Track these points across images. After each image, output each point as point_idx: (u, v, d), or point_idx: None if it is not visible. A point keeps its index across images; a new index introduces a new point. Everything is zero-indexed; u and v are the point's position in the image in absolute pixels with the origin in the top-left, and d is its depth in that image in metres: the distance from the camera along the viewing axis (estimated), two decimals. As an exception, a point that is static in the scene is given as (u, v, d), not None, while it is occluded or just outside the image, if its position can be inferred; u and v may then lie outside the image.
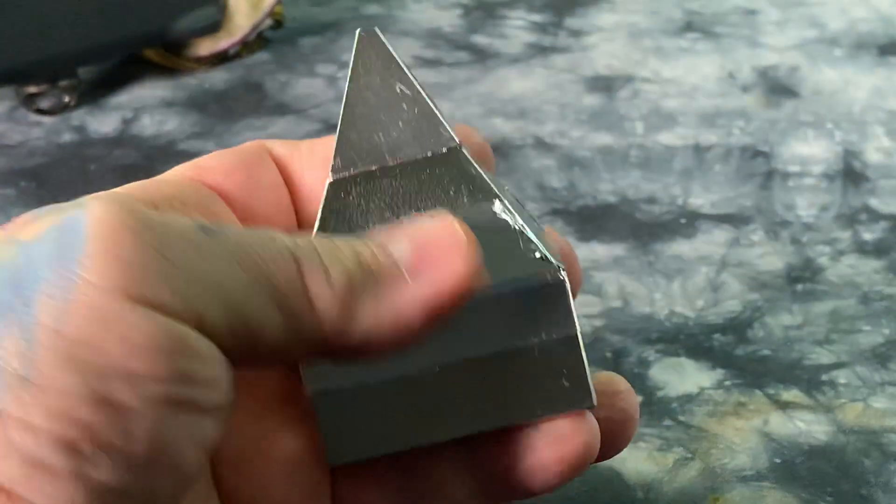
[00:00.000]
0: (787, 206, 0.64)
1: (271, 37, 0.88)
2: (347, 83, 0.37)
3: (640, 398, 0.48)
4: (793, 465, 0.45)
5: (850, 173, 0.67)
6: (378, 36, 0.37)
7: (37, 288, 0.23)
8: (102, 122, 0.73)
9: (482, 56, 0.85)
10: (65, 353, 0.23)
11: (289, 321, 0.26)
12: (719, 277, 0.57)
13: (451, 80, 0.80)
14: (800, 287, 0.56)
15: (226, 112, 0.75)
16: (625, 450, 0.38)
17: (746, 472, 0.44)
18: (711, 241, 0.60)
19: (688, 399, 0.48)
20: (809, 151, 0.70)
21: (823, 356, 0.51)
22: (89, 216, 0.24)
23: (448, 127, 0.37)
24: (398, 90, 0.37)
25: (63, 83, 0.74)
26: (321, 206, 0.36)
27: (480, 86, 0.79)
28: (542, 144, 0.69)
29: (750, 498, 0.43)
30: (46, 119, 0.74)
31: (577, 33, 0.89)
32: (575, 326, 0.34)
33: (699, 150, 0.70)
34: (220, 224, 0.27)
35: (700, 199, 0.64)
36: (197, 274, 0.24)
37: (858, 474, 0.44)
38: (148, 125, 0.72)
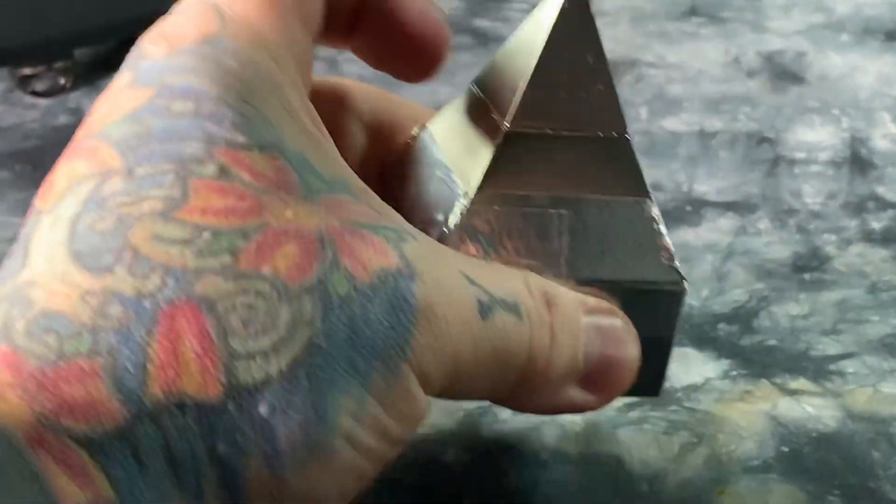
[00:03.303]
0: (793, 193, 0.63)
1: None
2: (547, 35, 0.35)
3: (644, 388, 0.48)
4: (800, 455, 0.44)
5: (857, 160, 0.66)
6: (587, 2, 0.36)
7: (372, 364, 0.26)
8: (99, 104, 0.72)
9: (484, 40, 0.84)
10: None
11: (494, 392, 0.30)
12: (725, 266, 0.56)
13: (452, 64, 0.79)
14: (807, 276, 0.55)
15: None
16: (629, 433, 0.38)
17: (753, 462, 0.43)
18: (717, 229, 0.59)
19: (693, 389, 0.48)
20: (816, 138, 0.69)
21: (831, 346, 0.50)
22: (420, 290, 0.27)
23: (623, 114, 0.36)
24: (590, 61, 0.36)
25: (58, 65, 0.73)
26: (493, 152, 0.35)
27: (482, 70, 0.78)
28: (544, 130, 0.68)
29: (756, 491, 0.42)
30: (42, 101, 0.73)
31: (580, 18, 0.88)
32: (674, 331, 0.37)
33: (704, 136, 0.69)
34: (491, 298, 0.29)
35: (705, 186, 0.63)
36: (462, 358, 0.28)
37: (867, 467, 0.43)
38: (145, 108, 0.71)
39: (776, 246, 0.58)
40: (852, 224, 0.60)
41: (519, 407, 0.32)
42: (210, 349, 0.24)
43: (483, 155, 0.36)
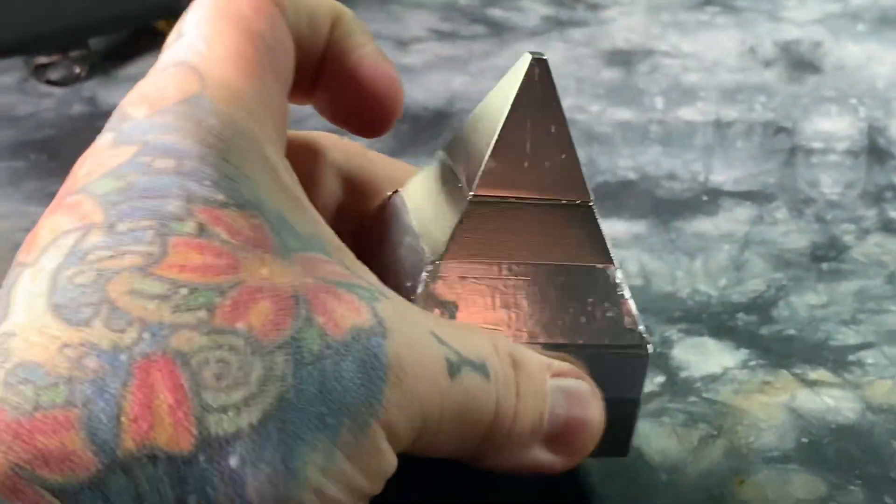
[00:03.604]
0: (810, 183, 0.63)
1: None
2: (510, 105, 0.37)
3: (663, 378, 0.47)
4: (820, 445, 0.44)
5: (875, 150, 0.66)
6: (547, 65, 0.37)
7: (342, 420, 0.26)
8: (113, 93, 0.72)
9: (498, 29, 0.84)
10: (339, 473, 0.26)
11: (460, 449, 0.31)
12: (742, 256, 0.56)
13: (467, 53, 0.79)
14: (825, 266, 0.55)
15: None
16: (648, 425, 0.38)
17: (773, 453, 0.43)
18: (734, 219, 0.59)
19: (712, 379, 0.47)
20: (833, 128, 0.68)
21: (850, 336, 0.50)
22: (391, 348, 0.27)
23: (586, 182, 0.38)
24: (552, 130, 0.37)
25: (74, 54, 0.73)
26: (458, 220, 0.37)
27: (497, 59, 0.78)
28: (560, 119, 0.68)
29: (776, 481, 0.42)
30: (57, 90, 0.73)
31: (594, 6, 0.87)
32: (640, 393, 0.38)
33: (720, 125, 0.69)
34: (460, 358, 0.30)
35: (722, 176, 0.63)
36: (430, 415, 0.28)
37: (887, 457, 0.43)
38: (160, 97, 0.71)
39: (794, 235, 0.58)
40: (870, 214, 0.59)
41: (485, 465, 0.33)
42: (183, 402, 0.24)
43: (448, 222, 0.37)
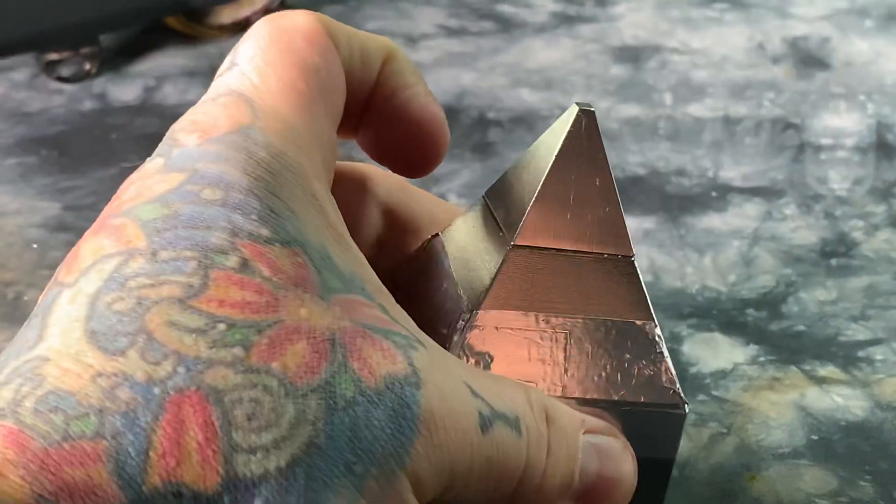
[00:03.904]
0: (819, 179, 0.63)
1: (293, 5, 0.87)
2: (555, 156, 0.37)
3: (672, 374, 0.48)
4: (830, 442, 0.44)
5: (884, 146, 0.66)
6: (594, 117, 0.37)
7: (369, 469, 0.26)
8: (124, 90, 0.72)
9: (507, 25, 0.84)
10: None
11: (486, 502, 0.30)
12: (752, 251, 0.56)
13: (476, 49, 0.79)
14: (834, 262, 0.55)
15: (248, 81, 0.74)
16: None
17: (783, 450, 0.43)
18: (743, 215, 0.59)
19: (722, 375, 0.48)
20: (841, 124, 0.69)
21: (859, 332, 0.50)
22: (424, 399, 0.27)
23: (629, 236, 0.38)
24: (597, 182, 0.37)
25: (84, 50, 0.73)
26: (498, 269, 0.37)
27: (506, 56, 0.78)
28: (569, 115, 0.68)
29: (787, 476, 0.42)
30: (67, 87, 0.73)
31: (603, 2, 0.87)
32: (675, 453, 0.38)
33: (729, 122, 0.69)
34: (493, 412, 0.30)
35: (731, 172, 0.63)
36: (459, 468, 0.28)
37: (897, 453, 0.43)
38: (170, 94, 0.72)
39: (803, 231, 0.58)
40: (879, 210, 0.59)
41: None
42: (213, 440, 0.24)
43: (488, 271, 0.37)
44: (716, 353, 0.49)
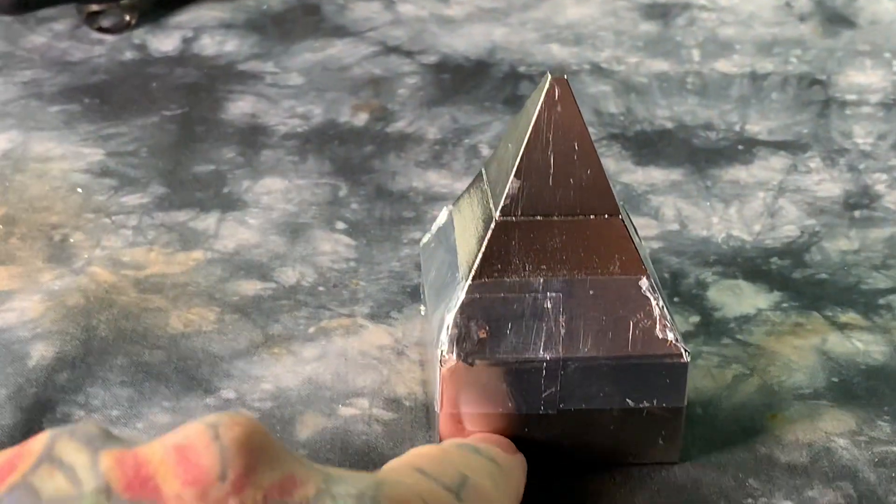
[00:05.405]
0: (844, 133, 0.64)
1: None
2: (531, 126, 0.38)
3: (697, 318, 0.49)
4: (850, 384, 0.45)
5: (908, 103, 0.67)
6: (567, 85, 0.39)
7: None
8: (163, 41, 0.74)
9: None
10: None
11: None
12: (776, 203, 0.58)
13: (507, 5, 0.80)
14: (857, 213, 0.57)
15: (284, 34, 0.76)
16: None
17: (804, 391, 0.45)
18: (768, 168, 0.61)
19: (745, 320, 0.49)
20: (867, 80, 0.70)
21: (881, 281, 0.52)
22: None
23: (615, 195, 0.39)
24: (575, 147, 0.38)
25: (124, 2, 0.75)
26: (485, 243, 0.39)
27: (536, 11, 0.79)
28: (598, 70, 0.70)
29: (808, 416, 0.44)
30: (108, 37, 0.75)
31: (632, -40, 0.88)
32: (684, 401, 0.40)
33: (756, 77, 0.70)
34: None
35: (757, 126, 0.65)
36: None
37: (914, 395, 0.45)
38: (208, 45, 0.73)
39: (827, 184, 0.59)
40: (902, 165, 0.61)
41: None
42: None
43: (478, 244, 0.39)
44: (740, 299, 0.50)
